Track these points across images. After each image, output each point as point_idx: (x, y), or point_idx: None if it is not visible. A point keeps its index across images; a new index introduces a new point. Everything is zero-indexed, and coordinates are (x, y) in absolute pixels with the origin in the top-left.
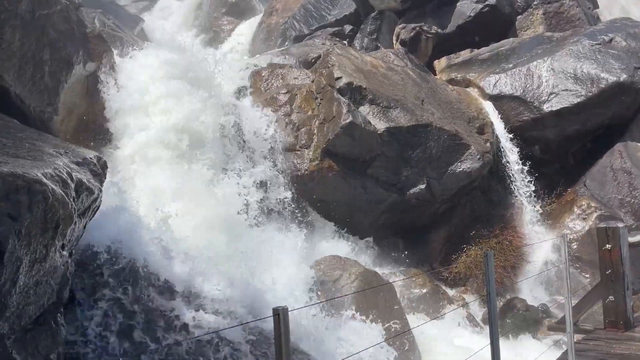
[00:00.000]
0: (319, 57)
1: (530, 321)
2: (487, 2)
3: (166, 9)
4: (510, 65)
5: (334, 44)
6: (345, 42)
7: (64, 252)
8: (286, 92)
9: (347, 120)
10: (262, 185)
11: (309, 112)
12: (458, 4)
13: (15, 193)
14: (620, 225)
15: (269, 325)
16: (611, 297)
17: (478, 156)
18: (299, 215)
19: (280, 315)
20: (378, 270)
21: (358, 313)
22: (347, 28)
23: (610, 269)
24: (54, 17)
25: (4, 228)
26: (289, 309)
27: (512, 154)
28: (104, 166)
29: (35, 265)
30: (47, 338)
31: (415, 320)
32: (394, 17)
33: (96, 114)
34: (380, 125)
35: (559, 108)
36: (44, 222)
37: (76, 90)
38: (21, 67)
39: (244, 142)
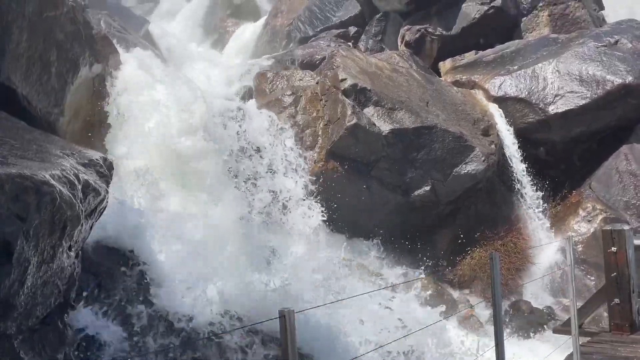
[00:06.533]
0: (324, 58)
1: (535, 323)
2: (492, 4)
3: (171, 11)
4: (516, 67)
5: (339, 46)
6: (350, 43)
7: (71, 253)
8: (291, 94)
9: (352, 122)
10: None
11: (314, 114)
12: (463, 5)
13: (24, 194)
14: (626, 227)
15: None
16: (617, 300)
17: (483, 158)
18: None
19: (286, 317)
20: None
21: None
22: (352, 29)
23: (616, 272)
24: (60, 18)
25: (13, 228)
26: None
27: (517, 156)
28: (110, 167)
29: (43, 266)
30: (53, 338)
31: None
32: (398, 19)
33: (102, 116)
34: (384, 126)
35: (564, 110)
36: (52, 223)
37: (82, 91)
38: (28, 68)
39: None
